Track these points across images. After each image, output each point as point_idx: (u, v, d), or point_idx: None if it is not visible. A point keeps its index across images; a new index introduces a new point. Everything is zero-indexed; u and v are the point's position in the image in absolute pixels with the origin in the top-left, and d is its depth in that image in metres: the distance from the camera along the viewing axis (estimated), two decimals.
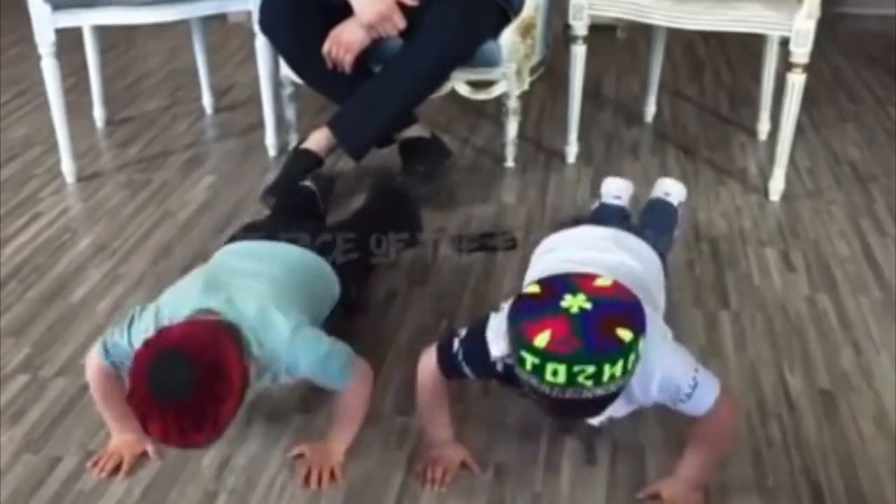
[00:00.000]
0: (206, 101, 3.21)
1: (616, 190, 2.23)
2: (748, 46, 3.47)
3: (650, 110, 3.07)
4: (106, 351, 1.60)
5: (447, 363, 1.55)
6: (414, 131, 2.65)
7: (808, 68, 2.38)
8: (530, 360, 1.31)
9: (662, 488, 1.56)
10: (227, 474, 1.64)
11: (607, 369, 1.29)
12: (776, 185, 2.55)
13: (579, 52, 2.60)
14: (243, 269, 1.71)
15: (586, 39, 2.59)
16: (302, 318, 1.60)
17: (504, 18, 2.55)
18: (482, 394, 1.80)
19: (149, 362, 1.38)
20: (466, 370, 1.53)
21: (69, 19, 2.55)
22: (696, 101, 3.26)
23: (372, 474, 1.64)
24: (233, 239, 1.93)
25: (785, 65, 2.42)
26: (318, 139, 2.57)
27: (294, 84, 2.72)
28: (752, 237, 2.37)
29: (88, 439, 1.72)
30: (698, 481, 1.55)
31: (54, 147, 2.76)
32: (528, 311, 1.35)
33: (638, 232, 1.89)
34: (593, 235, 1.86)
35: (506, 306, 1.42)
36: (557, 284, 1.39)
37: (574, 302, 1.34)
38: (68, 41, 2.73)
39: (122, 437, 1.67)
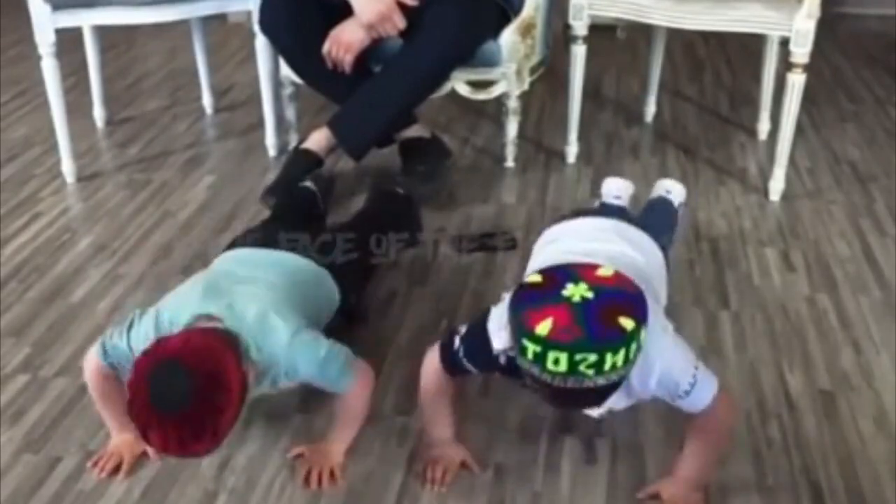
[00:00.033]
0: (206, 101, 3.21)
1: (616, 190, 2.22)
2: (748, 46, 3.47)
3: (650, 110, 3.07)
4: (105, 352, 1.60)
5: (449, 361, 1.55)
6: (414, 131, 2.65)
7: (808, 68, 2.38)
8: (532, 348, 1.30)
9: (662, 488, 1.56)
10: (227, 474, 1.64)
11: (609, 358, 1.28)
12: (776, 185, 2.55)
13: (579, 52, 2.60)
14: (243, 275, 1.72)
15: (586, 39, 2.59)
16: (301, 323, 1.60)
17: (504, 18, 2.55)
18: (482, 394, 1.80)
19: (148, 372, 1.38)
20: (469, 366, 1.53)
21: (69, 19, 2.55)
22: (696, 101, 3.26)
23: (372, 474, 1.64)
24: (233, 244, 1.93)
25: (785, 65, 2.42)
26: (318, 139, 2.57)
27: (294, 84, 2.72)
28: (752, 237, 2.37)
29: (88, 439, 1.72)
30: (698, 481, 1.55)
31: (54, 147, 2.77)
32: (529, 299, 1.34)
33: (640, 224, 1.88)
34: (595, 227, 1.84)
35: (507, 296, 1.41)
36: (559, 274, 1.39)
37: (576, 291, 1.33)
38: (68, 41, 2.73)
39: (121, 437, 1.67)
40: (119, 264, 2.30)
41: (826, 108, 3.17)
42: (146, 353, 1.42)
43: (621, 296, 1.35)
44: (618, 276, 1.40)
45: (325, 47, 2.44)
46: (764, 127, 2.93)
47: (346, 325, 1.91)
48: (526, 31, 2.61)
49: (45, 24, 2.50)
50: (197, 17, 2.90)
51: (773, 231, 2.41)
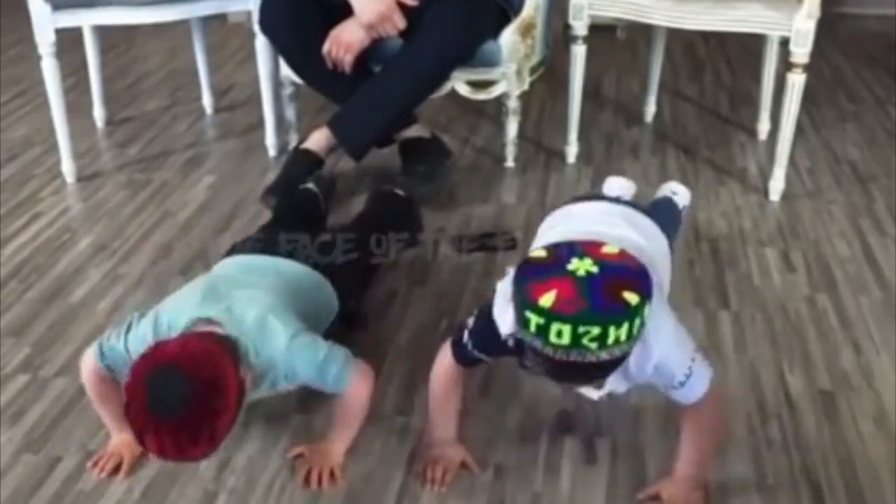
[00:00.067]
0: (206, 101, 3.21)
1: (619, 189, 2.22)
2: (748, 46, 3.47)
3: (650, 110, 3.07)
4: (101, 354, 1.60)
5: (461, 355, 1.55)
6: (414, 131, 2.65)
7: (808, 68, 2.38)
8: (535, 320, 1.28)
9: (662, 489, 1.56)
10: (227, 474, 1.64)
11: (612, 332, 1.27)
12: (776, 185, 2.55)
13: (579, 52, 2.60)
14: (242, 279, 1.72)
15: (586, 39, 2.59)
16: (300, 326, 1.60)
17: (504, 18, 2.55)
18: (482, 394, 1.80)
19: (146, 377, 1.38)
20: (481, 356, 1.53)
21: (69, 19, 2.55)
22: (696, 101, 3.26)
23: (372, 474, 1.64)
24: (233, 250, 1.93)
25: (785, 65, 2.42)
26: (318, 139, 2.57)
27: (294, 84, 2.72)
28: (752, 237, 2.37)
29: (88, 439, 1.72)
30: (696, 479, 1.55)
31: (54, 147, 2.76)
32: (533, 273, 1.33)
33: (647, 212, 1.87)
34: (601, 210, 1.82)
35: (511, 270, 1.40)
36: (564, 249, 1.37)
37: (581, 265, 1.31)
38: (68, 41, 2.73)
39: (121, 437, 1.67)
40: (119, 264, 2.30)
41: (826, 108, 3.17)
42: (144, 357, 1.42)
43: (626, 271, 1.34)
44: (623, 253, 1.38)
45: (325, 47, 2.44)
46: (764, 127, 2.93)
47: (345, 329, 1.91)
48: (526, 31, 2.61)
49: (45, 24, 2.50)
50: (197, 17, 2.90)
51: (773, 231, 2.41)
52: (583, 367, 1.30)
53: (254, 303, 1.59)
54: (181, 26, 3.09)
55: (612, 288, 1.29)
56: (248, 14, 2.71)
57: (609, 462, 1.65)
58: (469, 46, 2.49)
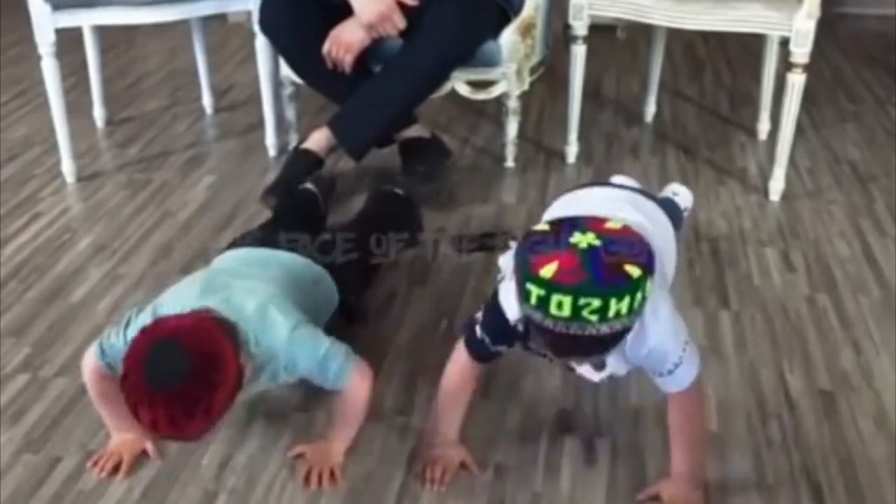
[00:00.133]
0: (206, 101, 3.21)
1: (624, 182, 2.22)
2: (748, 46, 3.47)
3: (650, 110, 3.07)
4: (102, 352, 1.60)
5: (477, 350, 1.55)
6: (414, 131, 2.65)
7: (808, 68, 2.38)
8: (536, 291, 1.28)
9: (662, 489, 1.56)
10: (227, 474, 1.64)
11: (613, 304, 1.27)
12: (776, 185, 2.55)
13: (579, 52, 2.60)
14: (242, 271, 1.72)
15: (586, 39, 2.59)
16: (301, 318, 1.60)
17: (504, 18, 2.55)
18: (482, 394, 1.80)
19: (145, 349, 1.39)
20: (497, 348, 1.53)
21: (69, 19, 2.55)
22: (696, 101, 3.26)
23: (372, 474, 1.64)
24: (232, 244, 1.93)
25: (785, 65, 2.42)
26: (318, 139, 2.57)
27: (294, 84, 2.72)
28: (752, 237, 2.37)
29: (88, 439, 1.72)
30: (694, 477, 1.55)
31: (54, 147, 2.76)
32: (536, 245, 1.33)
33: (654, 198, 1.86)
34: (606, 196, 1.81)
35: (514, 245, 1.40)
36: (567, 223, 1.37)
37: (583, 239, 1.31)
38: (68, 41, 2.73)
39: (121, 437, 1.67)
40: (119, 264, 2.30)
41: (826, 108, 3.17)
42: (144, 331, 1.43)
43: (629, 245, 1.33)
44: (626, 228, 1.38)
45: (325, 47, 2.44)
46: (764, 127, 2.93)
47: (345, 324, 1.91)
48: (526, 31, 2.61)
49: (45, 24, 2.50)
50: (197, 17, 2.90)
51: (773, 231, 2.41)
52: (583, 340, 1.30)
53: (254, 293, 1.59)
54: (181, 26, 3.09)
55: (614, 261, 1.29)
56: (248, 14, 2.71)
57: (609, 462, 1.65)
58: (469, 46, 2.49)
